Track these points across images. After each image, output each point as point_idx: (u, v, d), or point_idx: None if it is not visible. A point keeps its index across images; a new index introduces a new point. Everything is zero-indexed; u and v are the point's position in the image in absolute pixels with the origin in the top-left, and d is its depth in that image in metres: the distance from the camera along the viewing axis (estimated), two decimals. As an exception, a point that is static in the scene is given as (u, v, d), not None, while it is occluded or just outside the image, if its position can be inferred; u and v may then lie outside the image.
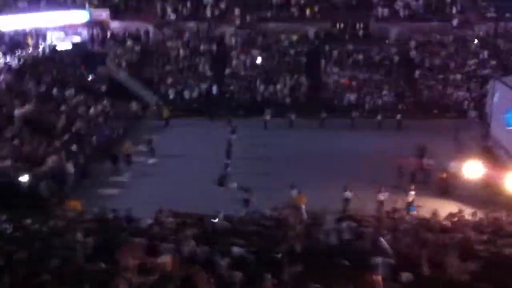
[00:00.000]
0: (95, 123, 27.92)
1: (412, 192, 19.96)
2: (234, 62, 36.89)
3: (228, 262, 12.42)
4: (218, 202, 19.62)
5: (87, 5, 38.87)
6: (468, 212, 18.01)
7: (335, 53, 37.20)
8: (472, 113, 31.10)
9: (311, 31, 38.66)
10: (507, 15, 37.60)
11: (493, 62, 35.01)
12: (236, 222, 16.87)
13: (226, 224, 17.06)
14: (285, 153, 26.20)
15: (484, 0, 38.80)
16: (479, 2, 38.92)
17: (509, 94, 23.38)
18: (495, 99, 25.31)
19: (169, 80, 35.42)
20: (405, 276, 12.04)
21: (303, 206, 18.60)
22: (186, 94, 34.67)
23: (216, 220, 17.32)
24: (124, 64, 36.24)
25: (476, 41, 36.92)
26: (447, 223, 16.93)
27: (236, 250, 13.73)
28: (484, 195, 20.22)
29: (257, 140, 28.37)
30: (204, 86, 35.10)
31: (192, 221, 17.47)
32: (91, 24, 38.64)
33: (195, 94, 34.72)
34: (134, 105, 32.21)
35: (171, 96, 34.36)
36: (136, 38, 38.57)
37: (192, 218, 17.61)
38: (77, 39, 37.84)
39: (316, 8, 39.20)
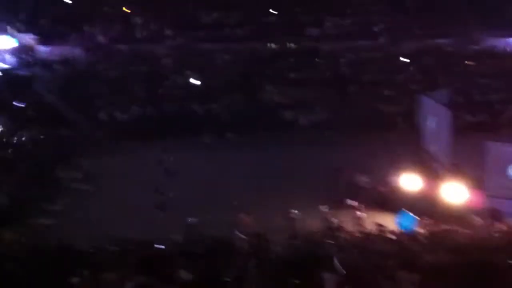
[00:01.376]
0: (25, 150, 26.65)
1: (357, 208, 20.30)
2: (168, 82, 36.48)
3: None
4: (160, 227, 19.21)
5: (10, 30, 38.03)
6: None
7: (269, 71, 37.61)
8: (404, 127, 32.07)
9: (245, 50, 39.02)
10: (433, 32, 39.56)
11: (420, 77, 36.46)
12: (182, 247, 16.41)
13: (171, 248, 16.63)
14: (227, 174, 25.77)
15: (410, 18, 40.68)
16: (406, 20, 40.69)
17: (437, 108, 24.29)
18: (425, 113, 26.20)
19: (101, 102, 34.44)
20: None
21: (250, 227, 18.41)
22: (118, 116, 33.77)
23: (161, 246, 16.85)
24: (52, 88, 35.04)
25: (404, 58, 38.42)
26: (391, 236, 17.24)
27: (184, 275, 13.40)
28: (422, 206, 20.79)
29: (196, 162, 27.71)
30: (137, 107, 34.35)
31: (134, 247, 16.92)
32: (18, 49, 37.77)
33: (127, 116, 33.90)
34: (65, 130, 31.05)
35: (103, 119, 33.39)
36: (65, 62, 37.66)
37: (134, 244, 17.03)
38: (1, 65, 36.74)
39: (249, 28, 39.83)
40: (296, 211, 19.75)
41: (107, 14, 40.64)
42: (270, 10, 40.80)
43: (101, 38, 39.19)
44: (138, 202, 22.22)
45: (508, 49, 39.95)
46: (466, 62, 37.95)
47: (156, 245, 16.87)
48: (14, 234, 18.21)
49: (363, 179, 22.55)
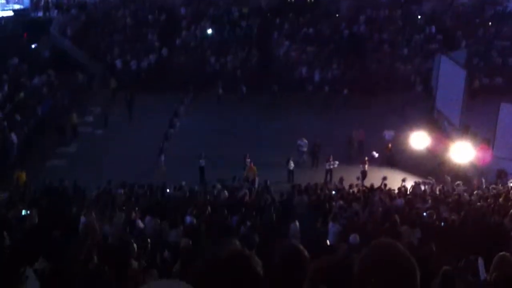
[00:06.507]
0: (40, 93, 26.90)
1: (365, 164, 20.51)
2: (184, 33, 36.26)
3: (179, 232, 12.38)
4: (168, 174, 19.67)
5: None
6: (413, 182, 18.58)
7: (285, 26, 37.12)
8: (419, 87, 31.80)
9: (262, 3, 38.45)
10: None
11: (439, 38, 35.85)
12: (189, 193, 16.77)
13: (178, 194, 16.99)
14: (236, 128, 25.97)
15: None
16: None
17: (454, 68, 24.04)
18: (441, 73, 25.94)
19: (116, 50, 34.39)
20: (352, 237, 12.25)
21: (256, 177, 18.75)
22: (134, 64, 33.73)
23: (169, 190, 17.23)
24: (68, 32, 34.92)
25: (421, 16, 37.64)
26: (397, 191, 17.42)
27: (188, 219, 13.69)
28: (429, 164, 20.90)
29: (208, 114, 27.91)
30: (152, 57, 34.27)
31: (142, 191, 17.33)
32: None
33: (143, 64, 33.86)
34: (79, 75, 31.14)
35: (118, 67, 33.41)
36: (81, 6, 37.33)
37: (142, 189, 17.44)
38: (18, 6, 36.19)
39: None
40: (292, 164, 20.11)
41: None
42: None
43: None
44: (148, 149, 22.40)
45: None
46: (485, 23, 37.10)
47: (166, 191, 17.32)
48: (28, 174, 18.87)
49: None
